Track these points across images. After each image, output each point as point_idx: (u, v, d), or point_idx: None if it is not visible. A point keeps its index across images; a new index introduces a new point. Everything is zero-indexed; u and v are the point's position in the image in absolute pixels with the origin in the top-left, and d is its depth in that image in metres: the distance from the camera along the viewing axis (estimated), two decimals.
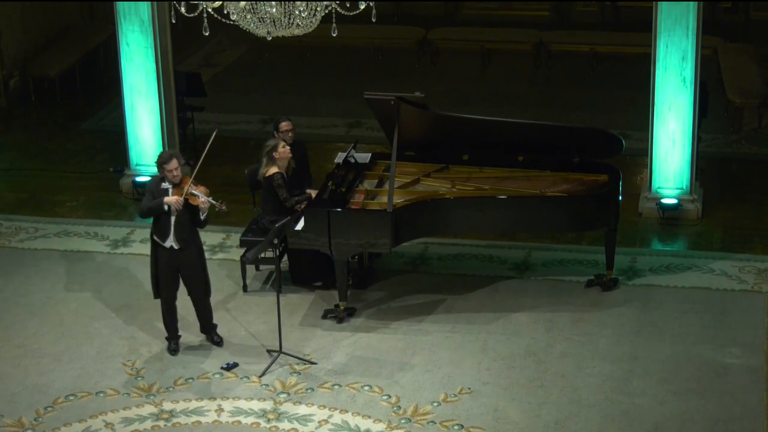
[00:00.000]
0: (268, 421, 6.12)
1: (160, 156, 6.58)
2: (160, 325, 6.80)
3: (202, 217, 6.54)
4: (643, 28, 8.88)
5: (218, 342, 6.83)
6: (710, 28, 10.05)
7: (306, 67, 11.63)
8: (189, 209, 6.51)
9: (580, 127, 7.72)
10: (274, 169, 7.18)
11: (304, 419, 6.13)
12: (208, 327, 6.83)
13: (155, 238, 6.54)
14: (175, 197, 6.41)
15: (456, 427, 6.02)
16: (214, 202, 6.53)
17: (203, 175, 6.46)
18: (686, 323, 6.95)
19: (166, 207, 6.43)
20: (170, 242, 6.50)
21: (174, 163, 6.46)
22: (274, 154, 7.13)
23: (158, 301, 6.71)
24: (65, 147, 9.90)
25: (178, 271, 6.60)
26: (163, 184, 6.53)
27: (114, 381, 6.45)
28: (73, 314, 7.19)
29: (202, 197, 6.45)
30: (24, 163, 9.64)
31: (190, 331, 6.86)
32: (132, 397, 6.31)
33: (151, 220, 6.62)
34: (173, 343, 6.75)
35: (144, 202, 6.59)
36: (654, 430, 5.98)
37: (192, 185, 6.46)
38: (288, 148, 7.18)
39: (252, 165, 7.59)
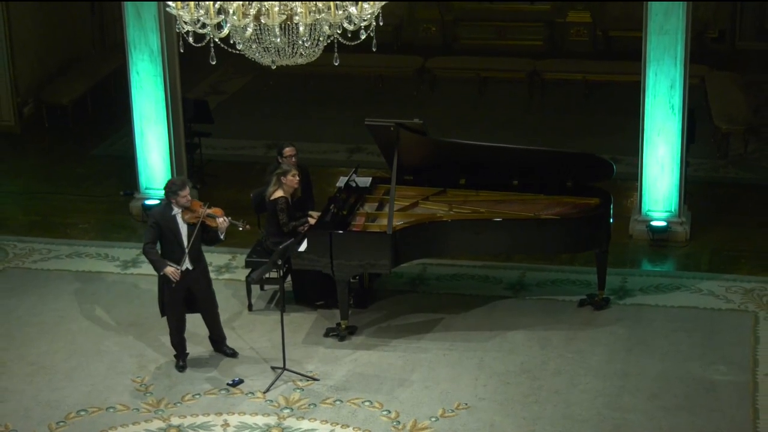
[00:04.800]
0: None
1: (172, 183, 6.62)
2: (168, 343, 6.87)
3: (222, 237, 6.67)
4: (633, 57, 8.91)
5: (231, 354, 6.90)
6: (698, 57, 10.16)
7: (309, 95, 11.68)
8: (203, 229, 6.62)
9: (573, 152, 7.83)
10: (279, 193, 7.29)
11: None
12: (220, 340, 6.90)
13: (167, 262, 6.59)
14: (172, 268, 6.52)
15: None
16: (235, 222, 6.68)
17: (209, 198, 6.68)
18: (675, 341, 7.00)
19: (161, 273, 6.56)
20: (186, 265, 6.60)
21: (187, 189, 6.58)
22: (282, 177, 7.23)
23: (165, 319, 6.78)
24: (77, 171, 9.97)
25: (188, 290, 6.71)
26: (173, 210, 6.60)
27: (124, 397, 6.53)
28: (84, 332, 7.26)
29: (220, 218, 6.61)
30: (37, 186, 9.72)
31: (197, 349, 6.93)
32: (141, 412, 6.38)
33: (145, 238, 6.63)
34: (181, 361, 6.82)
35: (148, 239, 6.56)
36: None
37: (205, 208, 6.59)
38: (297, 179, 7.26)
39: (258, 189, 7.69)
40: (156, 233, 6.62)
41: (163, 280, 6.68)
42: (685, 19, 7.96)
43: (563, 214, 7.27)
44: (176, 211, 6.62)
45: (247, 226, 6.81)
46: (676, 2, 7.93)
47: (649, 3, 8.02)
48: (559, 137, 10.26)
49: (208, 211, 6.61)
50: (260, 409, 6.42)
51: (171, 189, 6.62)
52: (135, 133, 8.92)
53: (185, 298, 6.75)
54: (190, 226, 6.60)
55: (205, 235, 6.69)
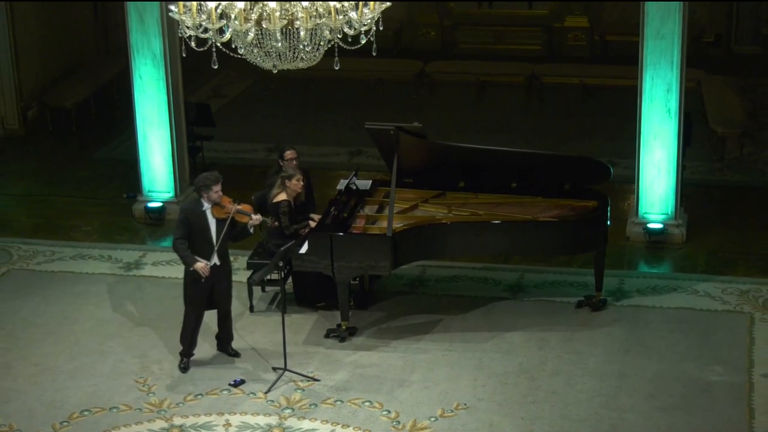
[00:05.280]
0: None
1: (206, 178, 6.57)
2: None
3: (251, 231, 6.74)
4: (630, 61, 8.92)
5: (234, 354, 6.96)
6: (694, 61, 10.19)
7: (310, 99, 11.76)
8: (233, 225, 6.66)
9: (571, 155, 7.90)
10: (282, 196, 7.37)
11: None
12: (227, 339, 6.95)
13: (196, 258, 6.61)
14: (202, 264, 6.54)
15: None
16: (266, 219, 6.81)
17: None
18: (672, 342, 7.07)
19: (191, 269, 6.55)
20: (214, 259, 6.62)
21: (220, 185, 6.57)
22: (287, 181, 7.31)
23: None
24: (80, 174, 10.03)
25: (213, 286, 6.71)
26: (204, 205, 6.60)
27: (127, 397, 6.60)
28: (88, 333, 7.33)
29: (254, 216, 6.68)
30: (41, 189, 9.78)
31: (199, 349, 6.98)
32: (144, 412, 6.44)
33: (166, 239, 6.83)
34: (185, 361, 6.87)
35: (178, 234, 6.55)
36: None
37: (235, 204, 6.65)
38: (302, 183, 7.34)
39: (259, 191, 7.76)
40: (186, 229, 6.60)
41: (191, 276, 6.68)
42: (682, 23, 8.05)
43: (561, 217, 7.35)
44: (206, 206, 6.61)
45: (276, 223, 6.98)
46: (672, 6, 8.02)
47: (646, 7, 8.11)
48: (556, 140, 10.32)
49: (238, 207, 6.66)
50: (261, 409, 6.48)
51: (205, 183, 6.58)
52: (138, 136, 8.99)
53: (209, 294, 6.77)
54: (220, 222, 6.61)
55: (233, 229, 6.70)
